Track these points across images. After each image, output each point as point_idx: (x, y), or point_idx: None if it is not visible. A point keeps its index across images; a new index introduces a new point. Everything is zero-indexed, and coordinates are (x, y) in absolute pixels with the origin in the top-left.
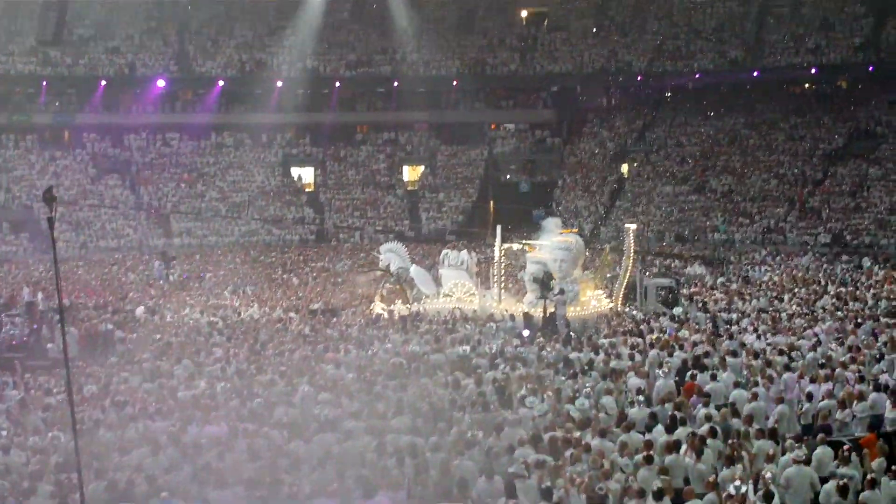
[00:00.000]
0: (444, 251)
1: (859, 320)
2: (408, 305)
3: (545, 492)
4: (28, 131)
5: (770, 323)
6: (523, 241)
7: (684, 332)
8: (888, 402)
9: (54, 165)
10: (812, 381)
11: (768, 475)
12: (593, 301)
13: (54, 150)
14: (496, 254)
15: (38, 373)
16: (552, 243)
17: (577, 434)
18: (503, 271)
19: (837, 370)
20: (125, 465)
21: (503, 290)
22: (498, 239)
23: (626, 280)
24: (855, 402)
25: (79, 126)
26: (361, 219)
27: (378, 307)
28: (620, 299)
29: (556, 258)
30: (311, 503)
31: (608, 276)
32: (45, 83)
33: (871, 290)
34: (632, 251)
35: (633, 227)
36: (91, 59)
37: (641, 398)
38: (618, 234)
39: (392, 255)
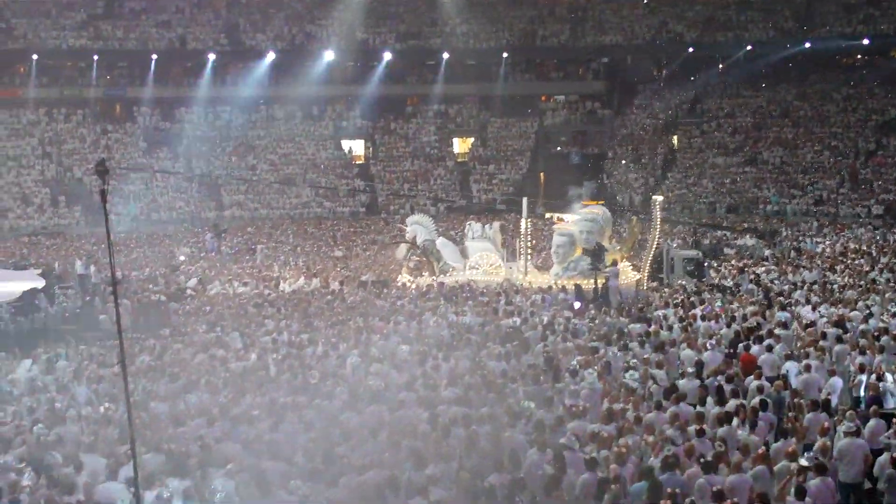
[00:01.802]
0: (468, 223)
1: None
2: (434, 277)
3: (590, 462)
4: (79, 105)
5: (822, 294)
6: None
7: (736, 304)
8: None
9: (106, 139)
10: (864, 352)
11: (803, 461)
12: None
13: (105, 123)
14: (522, 226)
15: (92, 344)
16: (580, 215)
17: (628, 406)
18: (529, 244)
19: (891, 342)
20: (179, 436)
21: (529, 262)
22: (524, 212)
23: (652, 252)
24: None
25: (130, 99)
26: (412, 191)
27: (405, 278)
28: (647, 271)
29: (583, 230)
30: (365, 474)
31: (636, 247)
32: (96, 57)
33: None
34: (658, 223)
35: (660, 198)
36: (142, 33)
37: (692, 370)
38: (669, 206)
39: (418, 226)
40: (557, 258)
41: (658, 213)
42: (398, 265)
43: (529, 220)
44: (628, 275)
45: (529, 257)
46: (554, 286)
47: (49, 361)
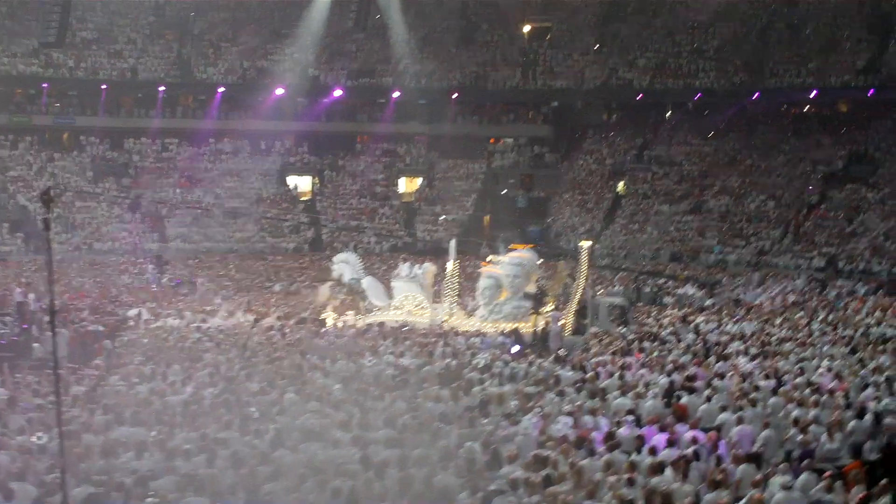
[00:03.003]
0: (401, 265)
1: (850, 346)
2: (358, 316)
3: None
4: (27, 132)
5: (760, 346)
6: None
7: (675, 354)
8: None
9: (52, 167)
10: (799, 405)
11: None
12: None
13: (53, 151)
14: (448, 268)
15: (27, 373)
16: (507, 258)
17: (563, 452)
18: (457, 285)
19: (825, 397)
20: (111, 468)
21: (454, 305)
22: (452, 253)
23: (577, 297)
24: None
25: (79, 129)
26: (356, 229)
27: (330, 317)
28: (571, 317)
29: (509, 273)
30: None
31: (560, 292)
32: (46, 85)
33: (864, 316)
34: (585, 268)
35: (588, 244)
36: (93, 63)
37: (630, 418)
38: (612, 252)
39: (345, 265)
40: (483, 300)
41: (585, 258)
42: (321, 305)
43: (457, 262)
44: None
45: (456, 299)
46: (491, 330)
47: None
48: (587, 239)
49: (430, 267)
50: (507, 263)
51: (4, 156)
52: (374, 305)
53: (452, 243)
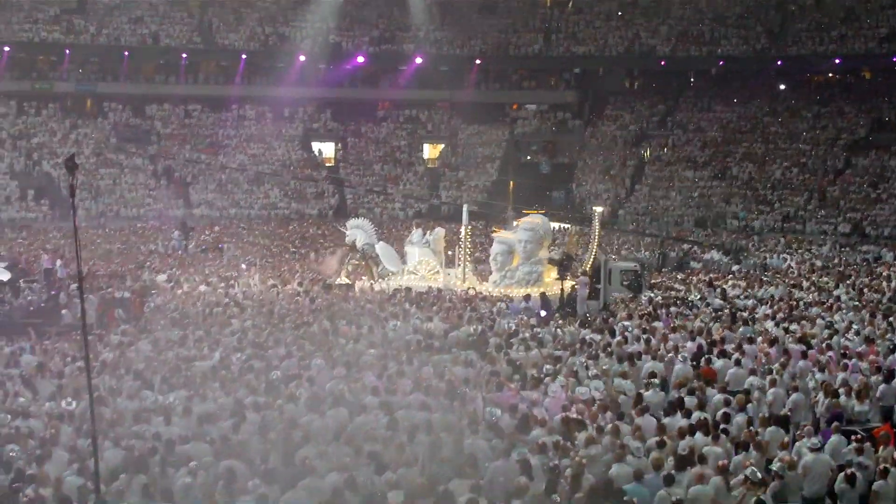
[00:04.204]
0: (413, 230)
1: (876, 311)
2: (372, 281)
3: (552, 471)
4: (50, 99)
5: (787, 311)
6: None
7: (702, 318)
8: None
9: (76, 133)
10: (825, 369)
11: (776, 466)
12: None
13: (76, 118)
14: (462, 233)
15: (55, 339)
16: (520, 223)
17: (591, 416)
18: (468, 251)
19: (853, 360)
20: (141, 433)
21: (467, 269)
22: (464, 219)
23: (590, 262)
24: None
25: (101, 95)
26: (381, 195)
27: (343, 281)
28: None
29: (521, 239)
30: (324, 477)
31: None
32: (68, 51)
33: (891, 282)
34: (597, 234)
35: (600, 209)
36: (114, 29)
37: (657, 381)
38: (636, 218)
39: (358, 230)
40: (496, 265)
41: (597, 224)
42: (334, 272)
43: (469, 227)
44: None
45: (469, 264)
46: (517, 294)
47: (13, 355)
48: (602, 205)
49: (440, 231)
50: (520, 229)
51: (28, 122)
52: (388, 271)
53: (465, 209)
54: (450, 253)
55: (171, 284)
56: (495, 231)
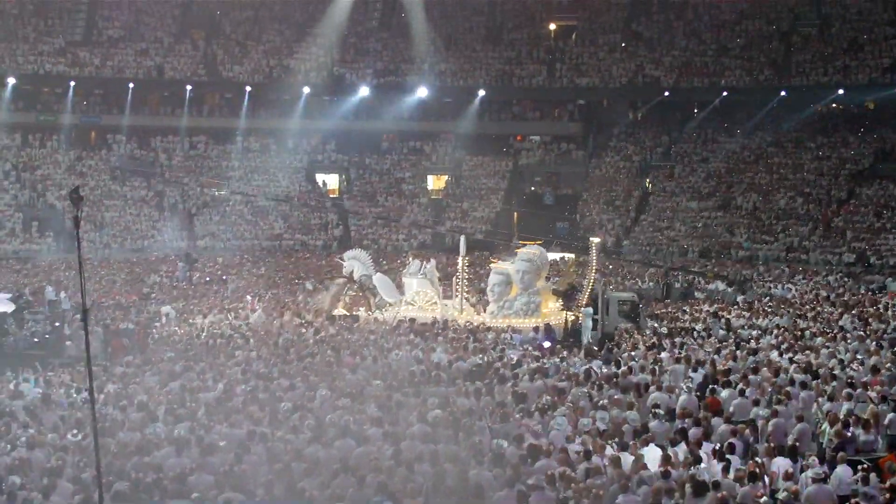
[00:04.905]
0: (410, 259)
1: (881, 340)
2: (369, 312)
3: (562, 503)
4: (54, 131)
5: (792, 341)
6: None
7: (707, 348)
8: None
9: (80, 165)
10: (831, 399)
11: (783, 494)
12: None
13: (80, 150)
14: (459, 264)
15: (59, 371)
16: (517, 254)
17: (596, 447)
18: (466, 282)
19: (858, 390)
20: (146, 465)
21: (465, 301)
22: (462, 250)
23: (588, 293)
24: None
25: (105, 127)
26: (385, 227)
27: (340, 314)
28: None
29: (519, 269)
30: None
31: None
32: (72, 83)
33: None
34: (594, 264)
35: (597, 240)
36: (119, 61)
37: (662, 412)
38: (641, 249)
39: (355, 262)
40: (493, 296)
41: (594, 254)
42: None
43: (466, 258)
44: (562, 315)
45: (466, 296)
46: (523, 325)
47: (16, 386)
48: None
49: (435, 263)
50: (518, 260)
51: (32, 154)
52: (385, 301)
53: (462, 240)
54: (446, 283)
55: (175, 316)
56: (493, 262)
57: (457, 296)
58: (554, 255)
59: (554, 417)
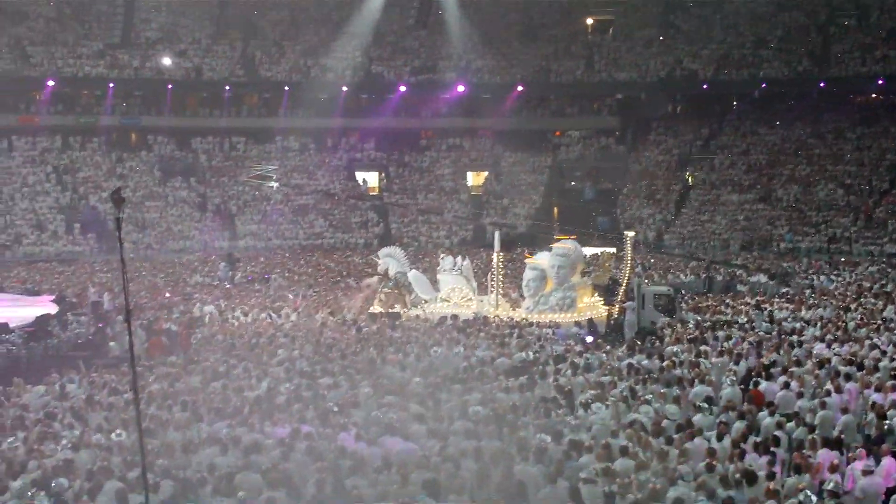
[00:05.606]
0: (442, 256)
1: None
2: (405, 309)
3: (609, 497)
4: (95, 133)
5: (836, 332)
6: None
7: (749, 341)
8: None
9: (121, 167)
10: (877, 390)
11: (831, 485)
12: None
13: (120, 151)
14: (494, 260)
15: (102, 371)
16: (552, 249)
17: (641, 442)
18: (501, 278)
19: None
20: (192, 464)
21: (500, 297)
22: (496, 246)
23: (624, 287)
24: None
25: (145, 128)
26: (425, 224)
27: (376, 310)
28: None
29: (554, 264)
30: None
31: (606, 282)
32: (111, 85)
33: None
34: (629, 258)
35: (632, 234)
36: (158, 63)
37: (706, 405)
38: (683, 242)
39: (390, 259)
40: (528, 292)
41: (629, 248)
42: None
43: (501, 253)
44: (598, 309)
45: (501, 291)
46: (565, 320)
47: (62, 388)
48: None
49: (469, 261)
50: (552, 255)
51: (73, 157)
52: (421, 299)
53: (497, 235)
54: (482, 280)
55: (218, 315)
56: (527, 257)
57: (492, 292)
58: (594, 250)
59: (596, 412)
